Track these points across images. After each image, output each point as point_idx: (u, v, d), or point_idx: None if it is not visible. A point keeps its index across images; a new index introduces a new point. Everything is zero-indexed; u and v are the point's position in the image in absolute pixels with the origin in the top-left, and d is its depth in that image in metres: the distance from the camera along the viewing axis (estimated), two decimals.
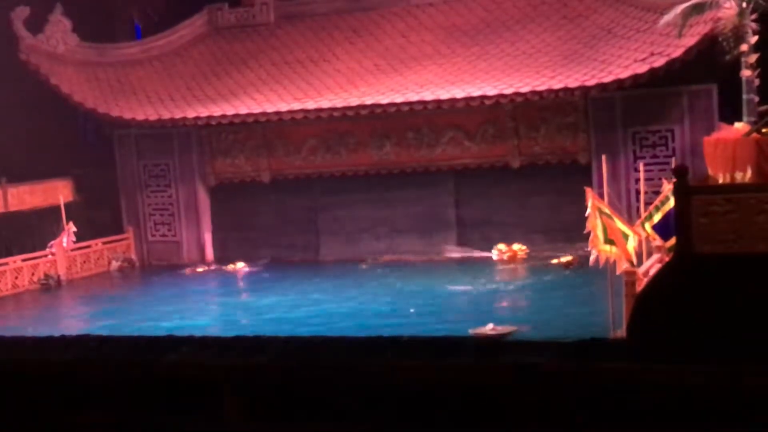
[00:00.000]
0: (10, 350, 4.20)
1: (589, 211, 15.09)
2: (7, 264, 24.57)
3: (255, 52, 28.23)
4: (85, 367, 3.77)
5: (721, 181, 13.22)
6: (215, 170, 27.42)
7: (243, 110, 25.32)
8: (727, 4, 15.36)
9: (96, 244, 27.17)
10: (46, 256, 25.36)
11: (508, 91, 22.88)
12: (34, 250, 25.31)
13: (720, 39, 15.69)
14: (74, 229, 24.96)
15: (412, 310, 19.23)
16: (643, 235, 15.26)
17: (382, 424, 3.03)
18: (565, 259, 22.69)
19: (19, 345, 4.30)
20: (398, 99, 23.81)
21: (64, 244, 25.11)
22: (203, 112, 25.70)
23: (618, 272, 14.61)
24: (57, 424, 3.64)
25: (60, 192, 26.43)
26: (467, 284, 22.22)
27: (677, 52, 21.09)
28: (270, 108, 25.13)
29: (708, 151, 14.44)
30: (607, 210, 15.00)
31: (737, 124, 15.10)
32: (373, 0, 28.25)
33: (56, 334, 4.28)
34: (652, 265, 14.83)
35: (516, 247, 24.25)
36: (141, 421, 3.46)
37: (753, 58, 15.21)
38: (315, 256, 26.58)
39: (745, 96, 15.23)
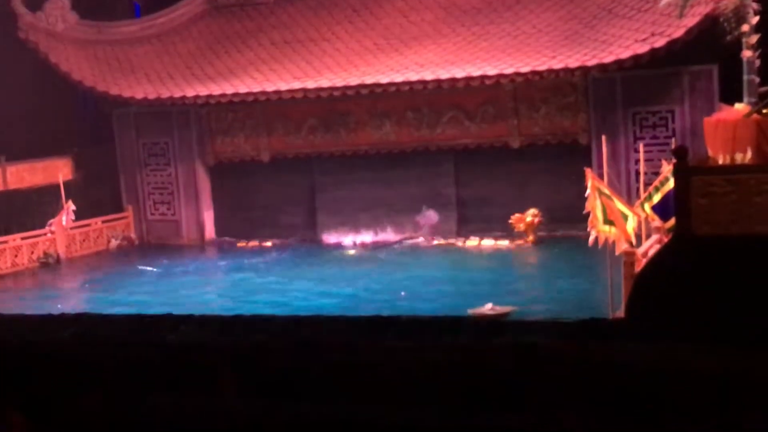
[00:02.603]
0: (10, 328, 4.20)
1: (588, 191, 15.09)
2: (6, 242, 24.59)
3: (254, 31, 28.14)
4: (85, 346, 3.78)
5: (721, 162, 13.19)
6: (214, 149, 27.39)
7: (242, 89, 25.27)
8: None
9: (95, 223, 27.19)
10: (45, 234, 25.38)
11: (509, 70, 22.83)
12: (33, 229, 25.33)
13: (721, 19, 15.59)
14: (73, 207, 24.96)
15: (402, 293, 19.22)
16: (643, 215, 15.26)
17: (381, 403, 3.04)
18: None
19: (19, 323, 4.31)
20: (398, 78, 23.75)
21: (64, 223, 25.12)
22: (202, 91, 25.65)
23: (617, 253, 14.63)
24: (55, 402, 3.65)
25: (59, 170, 26.40)
26: (464, 264, 22.26)
27: (678, 33, 21.02)
28: (269, 87, 25.08)
29: (708, 132, 14.40)
30: (606, 190, 14.99)
31: (738, 105, 15.04)
32: None
33: (55, 312, 4.29)
34: (651, 246, 14.85)
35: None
36: (140, 399, 3.47)
37: (754, 38, 15.13)
38: (313, 236, 26.58)
39: (745, 77, 15.17)
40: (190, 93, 25.73)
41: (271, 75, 25.80)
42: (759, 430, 2.66)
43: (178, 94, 25.89)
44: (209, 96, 25.52)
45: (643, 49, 21.45)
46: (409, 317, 3.33)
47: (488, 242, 24.20)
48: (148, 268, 23.88)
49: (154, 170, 27.91)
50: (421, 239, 25.14)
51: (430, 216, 25.23)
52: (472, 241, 24.40)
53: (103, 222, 27.47)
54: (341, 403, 3.09)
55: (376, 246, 24.97)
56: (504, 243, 23.94)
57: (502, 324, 3.53)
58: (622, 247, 14.47)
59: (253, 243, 26.57)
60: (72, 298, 21.55)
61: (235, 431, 3.26)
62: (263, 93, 25.05)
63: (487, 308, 16.48)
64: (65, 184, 25.54)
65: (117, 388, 3.52)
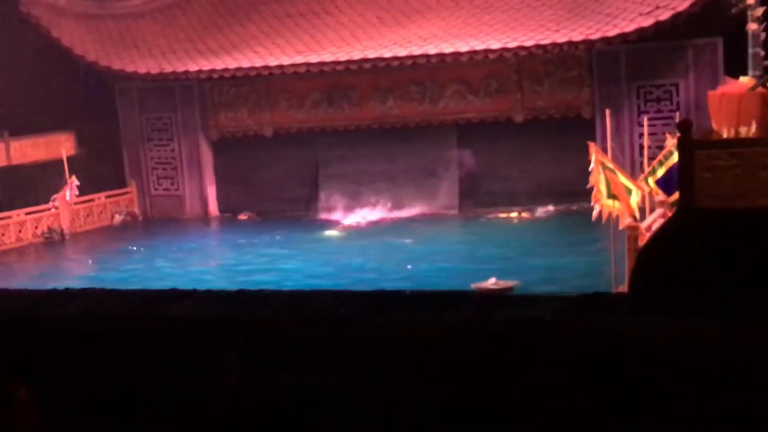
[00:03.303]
0: (14, 302, 4.22)
1: (592, 165, 15.06)
2: (10, 217, 24.64)
3: (257, 5, 28.02)
4: (89, 320, 3.79)
5: (725, 135, 13.15)
6: (217, 124, 27.36)
7: (245, 63, 25.20)
8: None
9: (99, 198, 27.21)
10: (49, 209, 25.40)
11: (512, 44, 22.74)
12: (37, 204, 25.36)
13: None
14: (77, 182, 24.99)
15: (409, 266, 19.24)
16: (647, 189, 15.23)
17: (381, 377, 3.05)
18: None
19: (23, 298, 4.32)
20: (401, 52, 23.67)
21: (67, 198, 25.16)
22: (205, 66, 25.58)
23: (621, 227, 14.62)
24: (59, 376, 3.67)
25: (62, 145, 26.39)
26: (467, 238, 22.28)
27: (683, 6, 20.92)
28: (272, 61, 25.01)
29: (712, 106, 14.34)
30: (610, 165, 14.97)
31: (742, 79, 14.97)
32: None
33: (60, 287, 4.30)
34: (654, 220, 14.83)
35: None
36: (143, 373, 3.49)
37: (759, 11, 15.05)
38: (315, 210, 26.56)
39: (750, 50, 15.09)
40: (192, 68, 25.67)
41: (273, 49, 25.72)
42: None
43: (180, 68, 25.83)
44: (212, 71, 25.46)
45: (647, 22, 21.35)
46: (411, 292, 3.34)
47: (491, 216, 24.21)
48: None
49: (158, 145, 27.89)
50: (422, 211, 25.10)
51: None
52: (475, 215, 24.39)
53: (107, 197, 27.50)
54: (344, 377, 3.10)
55: (379, 220, 24.93)
56: (506, 216, 23.95)
57: (505, 298, 3.53)
58: (626, 221, 14.46)
59: (257, 218, 26.58)
60: (76, 273, 21.60)
61: (237, 404, 3.28)
62: (266, 67, 24.98)
63: (491, 283, 16.49)
64: (68, 159, 25.55)
65: (121, 362, 3.54)
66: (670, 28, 21.32)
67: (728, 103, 13.63)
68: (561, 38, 22.33)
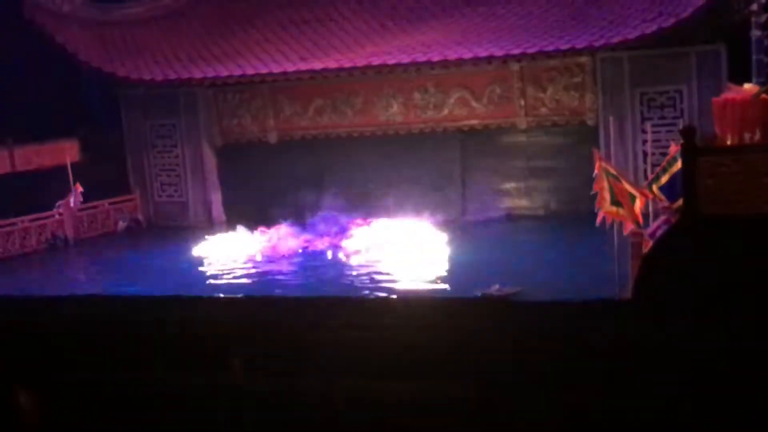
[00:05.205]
0: (19, 309, 4.23)
1: (596, 172, 15.07)
2: (15, 224, 24.65)
3: (261, 12, 28.09)
4: (94, 326, 3.80)
5: (729, 142, 13.16)
6: (222, 130, 27.38)
7: (249, 70, 25.23)
8: None
9: (103, 205, 27.22)
10: (53, 216, 25.42)
11: (516, 51, 22.75)
12: (41, 211, 25.37)
13: None
14: (81, 189, 25.00)
15: (411, 272, 19.27)
16: (650, 196, 15.23)
17: (384, 379, 3.06)
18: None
19: (28, 304, 4.33)
20: (405, 59, 23.69)
21: (71, 205, 25.18)
22: (209, 72, 25.62)
23: (624, 233, 14.62)
24: (64, 381, 3.68)
25: (67, 152, 26.40)
26: (470, 245, 22.26)
27: (686, 12, 20.92)
28: (276, 68, 25.05)
29: (716, 112, 14.36)
30: (613, 171, 14.97)
31: (746, 85, 14.99)
32: None
33: (65, 293, 4.31)
34: (658, 227, 14.82)
35: None
36: (148, 377, 3.50)
37: (763, 18, 15.09)
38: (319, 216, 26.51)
39: (754, 56, 15.13)
40: (197, 74, 25.71)
41: (278, 55, 25.77)
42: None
43: (185, 75, 25.87)
44: (216, 77, 25.50)
45: (650, 28, 21.36)
46: (415, 298, 3.35)
47: (495, 222, 24.15)
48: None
49: (162, 152, 27.91)
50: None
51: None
52: (479, 222, 24.29)
53: (111, 204, 27.51)
54: (347, 379, 3.11)
55: (382, 227, 24.88)
56: (510, 223, 23.93)
57: (509, 304, 3.54)
58: (630, 228, 14.46)
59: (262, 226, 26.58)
60: (80, 279, 21.62)
61: (240, 407, 3.29)
62: (270, 74, 25.03)
63: (494, 289, 16.49)
64: (72, 165, 25.55)
65: (123, 366, 3.55)
66: (673, 34, 21.32)
67: (732, 109, 13.64)
68: (564, 45, 22.34)
